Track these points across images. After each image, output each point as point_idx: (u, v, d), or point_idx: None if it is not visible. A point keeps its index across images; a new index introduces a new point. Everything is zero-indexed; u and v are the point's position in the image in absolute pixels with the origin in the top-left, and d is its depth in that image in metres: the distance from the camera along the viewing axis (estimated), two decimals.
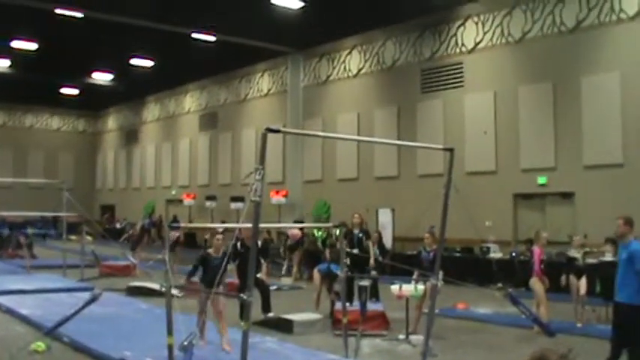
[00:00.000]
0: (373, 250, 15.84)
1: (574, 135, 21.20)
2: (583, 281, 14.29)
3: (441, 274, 11.68)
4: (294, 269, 23.32)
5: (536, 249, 13.85)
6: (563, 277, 14.63)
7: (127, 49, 32.21)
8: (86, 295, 12.54)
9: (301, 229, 24.02)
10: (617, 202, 18.30)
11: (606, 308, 13.72)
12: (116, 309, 15.14)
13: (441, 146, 10.30)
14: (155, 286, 16.59)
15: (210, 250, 11.96)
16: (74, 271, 21.78)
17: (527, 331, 13.22)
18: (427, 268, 12.43)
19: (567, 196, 21.65)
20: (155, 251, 25.61)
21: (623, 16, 20.29)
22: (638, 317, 9.40)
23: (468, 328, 14.29)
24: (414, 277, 12.97)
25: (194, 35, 28.99)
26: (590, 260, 14.62)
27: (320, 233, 24.22)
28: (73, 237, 29.56)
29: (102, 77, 39.27)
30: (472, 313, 16.04)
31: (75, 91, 44.29)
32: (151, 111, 46.53)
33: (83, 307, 11.98)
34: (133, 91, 43.12)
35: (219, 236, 10.73)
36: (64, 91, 44.13)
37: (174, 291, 9.25)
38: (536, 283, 13.71)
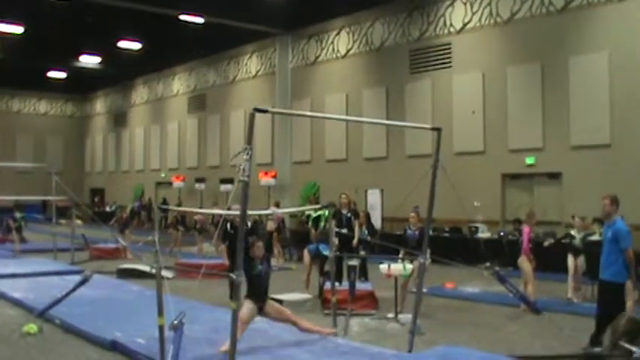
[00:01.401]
0: (360, 231, 15.89)
1: (562, 115, 21.28)
2: (581, 260, 14.41)
3: (428, 252, 11.80)
4: (276, 251, 23.24)
5: (525, 228, 13.95)
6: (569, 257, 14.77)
7: (114, 31, 32.04)
8: (77, 278, 12.61)
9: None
10: (605, 183, 18.40)
11: (592, 287, 13.87)
12: (107, 291, 15.18)
13: (428, 126, 10.34)
14: (145, 268, 16.67)
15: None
16: (64, 254, 21.80)
17: (514, 309, 13.35)
18: (413, 246, 12.52)
19: (555, 176, 21.75)
20: (145, 234, 25.67)
21: None
22: (622, 295, 9.56)
23: (456, 307, 14.40)
24: (400, 256, 13.05)
25: (182, 17, 28.87)
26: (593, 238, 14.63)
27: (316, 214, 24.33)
28: (62, 221, 29.54)
29: (89, 60, 39.00)
30: (460, 292, 16.16)
31: (62, 75, 44.08)
32: (140, 94, 46.42)
33: (74, 290, 12.05)
34: (121, 74, 43.02)
35: (259, 244, 9.85)
36: (52, 74, 43.90)
37: (164, 272, 9.31)
38: (524, 262, 13.82)
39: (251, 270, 9.43)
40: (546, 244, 15.88)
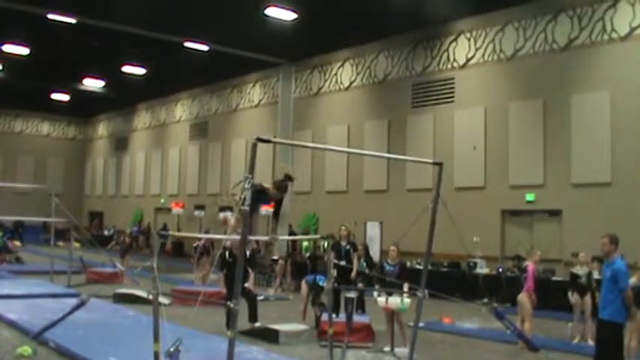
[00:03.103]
0: (359, 263, 15.87)
1: (563, 153, 21.32)
2: (587, 299, 14.23)
3: (405, 285, 11.78)
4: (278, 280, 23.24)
5: (530, 265, 13.86)
6: (570, 294, 14.61)
7: (119, 56, 32.21)
8: (73, 301, 12.54)
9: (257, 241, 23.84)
10: (605, 221, 18.39)
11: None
12: (103, 315, 15.11)
13: (430, 160, 10.35)
14: (142, 293, 16.61)
15: None
16: (61, 277, 21.77)
17: (511, 347, 13.28)
18: (390, 282, 12.54)
19: (555, 213, 21.75)
20: (143, 259, 25.63)
21: (614, 35, 20.45)
22: (620, 335, 9.52)
23: (454, 343, 14.33)
24: (376, 291, 13.03)
25: (187, 44, 29.04)
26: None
27: (306, 244, 24.26)
28: (60, 243, 29.48)
29: (93, 84, 39.20)
30: (458, 327, 16.07)
31: (66, 97, 44.24)
32: (142, 119, 46.51)
33: (70, 313, 11.99)
34: (124, 98, 43.14)
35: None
36: (55, 96, 44.03)
37: (161, 299, 9.26)
38: (525, 299, 13.75)
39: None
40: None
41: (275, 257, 23.82)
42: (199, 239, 23.71)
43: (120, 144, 48.97)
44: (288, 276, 22.93)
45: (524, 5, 22.63)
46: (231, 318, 7.56)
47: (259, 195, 8.82)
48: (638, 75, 19.80)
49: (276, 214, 9.41)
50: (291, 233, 28.33)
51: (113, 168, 49.64)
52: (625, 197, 19.63)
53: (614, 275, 9.42)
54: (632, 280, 10.54)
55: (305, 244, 25.21)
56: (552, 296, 16.80)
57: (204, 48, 29.54)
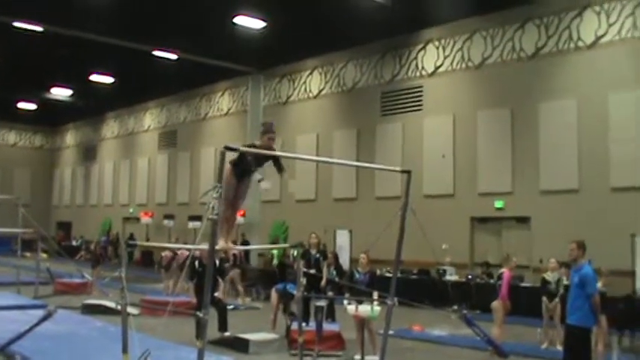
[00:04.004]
0: (329, 272, 15.87)
1: (531, 160, 21.48)
2: (556, 305, 14.31)
3: (375, 293, 11.77)
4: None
5: (506, 272, 13.88)
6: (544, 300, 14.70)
7: (86, 64, 32.00)
8: (40, 313, 12.40)
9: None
10: (572, 227, 18.51)
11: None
12: (70, 327, 14.97)
13: (398, 168, 10.36)
14: (111, 304, 16.46)
15: None
16: (28, 288, 21.52)
17: (481, 353, 13.31)
18: (360, 290, 12.55)
19: (523, 220, 21.89)
20: (111, 269, 25.40)
21: (580, 44, 20.67)
22: (588, 339, 9.59)
23: (424, 350, 14.36)
24: (346, 299, 13.03)
25: (155, 53, 28.92)
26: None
27: (276, 252, 24.23)
28: (27, 254, 29.20)
29: (60, 92, 38.87)
30: (428, 334, 16.10)
31: (32, 106, 43.84)
32: (110, 128, 46.23)
33: (37, 325, 11.84)
34: (92, 107, 42.83)
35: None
36: (22, 105, 43.65)
37: (130, 309, 9.19)
38: (499, 306, 13.74)
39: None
40: None
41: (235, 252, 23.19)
42: (168, 250, 23.60)
43: (88, 153, 48.61)
44: (239, 285, 22.48)
45: (492, 14, 22.80)
46: (200, 328, 7.50)
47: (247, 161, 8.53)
48: (604, 83, 20.01)
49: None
50: (244, 243, 28.23)
51: (81, 177, 49.26)
52: (592, 204, 19.80)
53: (582, 280, 9.49)
54: (598, 286, 10.61)
55: (274, 252, 25.22)
56: (521, 302, 16.88)
57: (173, 57, 29.45)
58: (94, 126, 47.89)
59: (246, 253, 28.19)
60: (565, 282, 13.87)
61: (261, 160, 8.69)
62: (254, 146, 8.43)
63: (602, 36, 20.23)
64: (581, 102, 20.50)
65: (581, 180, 20.29)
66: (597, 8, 20.35)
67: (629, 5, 19.69)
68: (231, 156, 7.60)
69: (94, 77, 34.00)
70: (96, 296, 20.92)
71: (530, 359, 13.19)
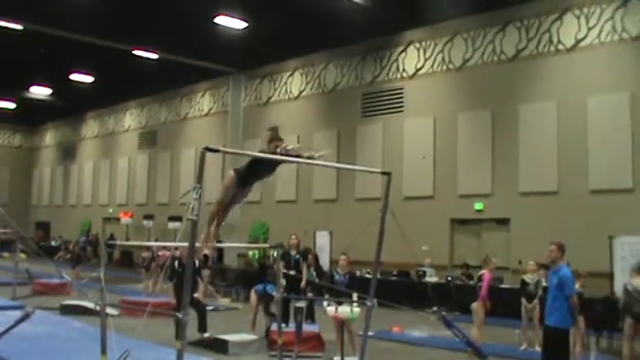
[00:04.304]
0: (309, 273, 15.87)
1: (511, 162, 21.58)
2: (535, 306, 14.39)
3: (355, 295, 11.78)
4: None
5: (486, 274, 13.92)
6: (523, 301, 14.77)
7: (66, 63, 31.81)
8: (18, 314, 12.32)
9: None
10: (551, 229, 18.61)
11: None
12: (49, 328, 14.89)
13: (378, 170, 10.37)
14: (90, 304, 16.37)
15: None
16: (6, 289, 21.36)
17: (461, 354, 13.33)
18: (339, 292, 12.56)
19: (503, 222, 21.98)
20: (91, 269, 25.30)
21: (560, 47, 20.80)
22: (567, 340, 9.64)
23: (403, 351, 14.38)
24: (325, 300, 13.03)
25: (136, 52, 28.80)
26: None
27: (252, 253, 24.23)
28: (5, 254, 29.00)
29: (40, 92, 38.59)
30: (407, 336, 16.13)
31: (11, 105, 43.53)
32: (90, 128, 46.03)
33: (14, 326, 11.74)
34: (71, 106, 42.58)
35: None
36: (0, 104, 43.32)
37: (109, 309, 9.16)
38: (479, 307, 13.77)
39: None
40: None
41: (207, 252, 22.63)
42: (148, 250, 23.54)
43: (67, 153, 48.37)
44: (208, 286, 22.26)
45: (473, 16, 22.88)
46: (179, 328, 7.49)
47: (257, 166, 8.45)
48: (583, 86, 20.14)
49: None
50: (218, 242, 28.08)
51: (60, 177, 49.00)
52: (571, 206, 19.93)
53: (560, 282, 9.55)
54: (576, 287, 10.68)
55: (251, 253, 25.24)
56: (501, 303, 16.93)
57: (154, 56, 29.34)
58: (74, 125, 47.64)
59: (220, 253, 28.17)
60: (544, 283, 13.94)
61: (274, 166, 8.67)
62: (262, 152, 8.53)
63: (582, 39, 20.37)
64: (561, 105, 20.63)
65: (560, 182, 20.41)
66: (577, 12, 20.49)
67: (609, 9, 19.82)
68: (235, 167, 7.54)
69: (74, 76, 33.83)
70: (75, 297, 20.80)
71: None
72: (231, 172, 8.11)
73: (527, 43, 21.66)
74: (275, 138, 8.48)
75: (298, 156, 8.63)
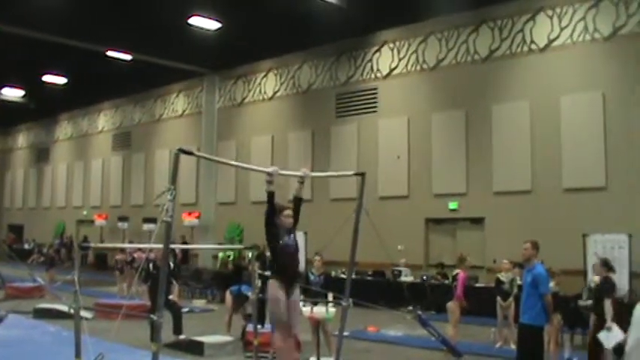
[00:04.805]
0: None
1: (485, 161, 21.68)
2: (510, 304, 14.47)
3: (330, 295, 11.80)
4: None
5: (461, 273, 13.96)
6: (498, 300, 14.84)
7: (39, 65, 31.54)
8: None
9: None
10: (525, 228, 18.73)
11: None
12: (22, 332, 14.78)
13: (352, 172, 10.40)
14: (64, 307, 16.27)
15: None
16: None
17: (436, 353, 13.38)
18: (315, 292, 12.55)
19: (477, 221, 22.08)
20: (65, 272, 25.13)
21: (533, 47, 20.93)
22: (541, 338, 9.70)
23: (379, 351, 14.39)
24: (301, 301, 13.04)
25: (109, 53, 28.63)
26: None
27: (222, 254, 24.22)
28: None
29: (12, 93, 38.27)
30: (383, 335, 16.16)
31: None
32: (64, 129, 45.70)
33: None
34: (44, 108, 42.21)
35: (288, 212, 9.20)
36: None
37: (83, 313, 9.11)
38: (454, 306, 13.82)
39: (276, 240, 8.63)
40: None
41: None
42: (122, 252, 23.42)
43: (41, 155, 47.99)
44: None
45: (447, 17, 22.95)
46: (154, 331, 7.46)
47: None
48: (556, 85, 20.29)
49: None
50: (183, 244, 28.02)
51: (34, 179, 48.60)
52: (544, 204, 20.07)
53: (534, 280, 9.59)
54: (551, 286, 10.74)
55: (221, 254, 25.23)
56: (476, 302, 17.00)
57: (127, 57, 29.17)
58: (47, 127, 47.28)
59: (185, 254, 28.08)
60: (519, 282, 14.02)
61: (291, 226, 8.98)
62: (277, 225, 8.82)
63: (555, 39, 20.51)
64: (534, 104, 20.76)
65: (534, 181, 20.55)
66: (550, 12, 20.63)
67: (581, 10, 19.97)
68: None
69: (47, 78, 33.58)
70: (48, 300, 20.65)
71: (484, 358, 13.29)
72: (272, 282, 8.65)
73: (500, 43, 21.78)
74: (284, 208, 9.19)
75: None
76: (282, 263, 8.63)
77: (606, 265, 11.79)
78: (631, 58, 19.08)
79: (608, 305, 10.96)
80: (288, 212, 8.79)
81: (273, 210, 8.43)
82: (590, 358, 11.30)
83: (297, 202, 8.88)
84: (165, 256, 7.37)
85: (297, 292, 8.86)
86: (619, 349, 10.40)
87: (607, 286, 11.35)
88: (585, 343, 13.68)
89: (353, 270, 10.16)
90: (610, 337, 10.80)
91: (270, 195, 8.36)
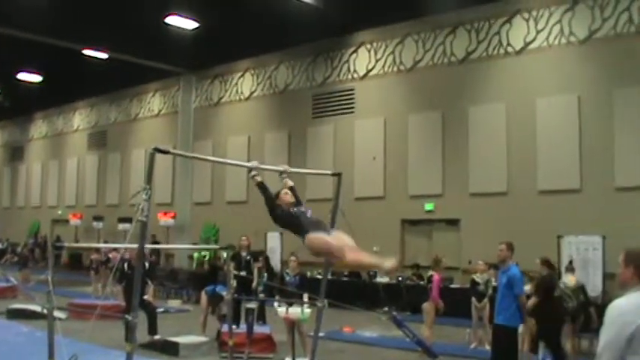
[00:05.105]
0: (260, 274, 15.84)
1: (461, 163, 21.76)
2: (485, 305, 14.54)
3: (305, 295, 11.80)
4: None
5: (435, 276, 13.99)
6: (474, 301, 14.91)
7: (14, 62, 31.28)
8: None
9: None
10: (501, 230, 18.75)
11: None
12: None
13: (329, 171, 10.40)
14: (37, 308, 16.16)
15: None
16: None
17: (412, 353, 13.42)
18: (290, 292, 12.56)
19: (453, 222, 22.15)
20: (39, 272, 24.98)
21: (510, 49, 21.04)
22: (515, 339, 9.75)
23: (354, 351, 14.41)
24: (276, 301, 13.04)
25: (85, 51, 28.47)
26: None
27: (197, 254, 24.19)
28: None
29: None
30: (358, 336, 16.18)
31: None
32: (38, 128, 45.38)
33: None
34: (19, 106, 41.82)
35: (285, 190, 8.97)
36: None
37: (57, 313, 9.04)
38: (429, 308, 13.85)
39: (288, 214, 8.31)
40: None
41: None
42: (97, 252, 23.30)
43: (15, 154, 47.63)
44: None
45: (424, 18, 23.01)
46: (129, 331, 7.43)
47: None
48: (532, 88, 20.40)
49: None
50: (154, 243, 27.91)
51: (8, 178, 48.21)
52: (520, 206, 20.16)
53: (509, 281, 9.65)
54: (527, 288, 10.81)
55: (196, 254, 25.18)
56: (451, 303, 17.05)
57: (104, 56, 29.01)
58: (22, 126, 46.92)
59: (157, 254, 27.98)
60: (494, 283, 14.08)
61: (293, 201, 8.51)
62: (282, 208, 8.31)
63: (531, 42, 20.63)
64: (510, 106, 20.87)
65: (510, 183, 20.65)
66: (526, 15, 20.74)
67: (557, 13, 20.10)
68: None
69: (22, 76, 33.33)
70: (22, 300, 20.51)
71: (459, 359, 13.33)
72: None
73: (477, 45, 21.87)
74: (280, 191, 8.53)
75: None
76: (303, 225, 8.11)
77: (547, 264, 12.35)
78: (606, 61, 19.22)
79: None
80: (285, 190, 8.53)
81: (270, 197, 8.22)
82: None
83: (291, 189, 8.64)
84: (139, 256, 7.34)
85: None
86: None
87: (546, 285, 11.94)
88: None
89: (329, 271, 10.16)
90: None
91: (261, 185, 8.14)
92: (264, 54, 28.40)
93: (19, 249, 27.56)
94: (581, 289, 13.21)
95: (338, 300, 10.94)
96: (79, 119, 41.01)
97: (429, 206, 22.58)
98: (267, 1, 22.26)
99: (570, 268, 13.89)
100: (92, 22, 24.75)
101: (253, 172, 8.29)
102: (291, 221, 8.10)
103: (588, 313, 13.14)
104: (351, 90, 25.33)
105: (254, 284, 15.40)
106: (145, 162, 32.74)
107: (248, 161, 9.07)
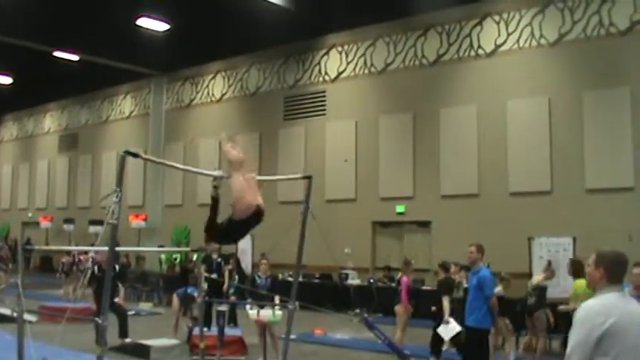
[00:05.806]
0: (230, 276, 15.84)
1: (432, 165, 21.86)
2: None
3: (277, 298, 11.82)
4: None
5: (404, 278, 14.03)
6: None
7: None
8: None
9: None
10: (472, 231, 18.85)
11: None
12: None
13: (299, 176, 10.42)
14: (6, 311, 16.02)
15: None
16: None
17: (384, 355, 13.44)
18: (262, 295, 12.57)
19: (424, 224, 22.24)
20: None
21: (480, 52, 21.19)
22: (486, 340, 9.82)
23: (326, 354, 14.42)
24: (248, 304, 13.05)
25: (56, 53, 28.29)
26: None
27: (165, 256, 24.16)
28: None
29: None
30: (330, 338, 16.20)
31: None
32: (8, 130, 45.02)
33: None
34: None
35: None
36: None
37: (27, 316, 8.98)
38: (401, 310, 13.90)
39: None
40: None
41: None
42: (68, 255, 23.16)
43: None
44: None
45: (395, 21, 23.10)
46: (99, 334, 7.39)
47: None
48: (503, 90, 20.55)
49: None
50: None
51: None
52: (490, 208, 20.29)
53: (480, 283, 9.71)
54: (498, 290, 10.88)
55: (164, 256, 25.10)
56: (422, 305, 17.12)
57: (74, 58, 28.87)
58: None
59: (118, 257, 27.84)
60: (465, 285, 14.15)
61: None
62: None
63: (502, 44, 20.79)
64: (481, 108, 21.00)
65: (481, 185, 20.78)
66: (497, 18, 20.89)
67: (527, 16, 20.26)
68: None
69: None
70: None
71: None
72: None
73: (448, 47, 21.99)
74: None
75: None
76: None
77: (444, 267, 13.15)
78: (576, 63, 19.41)
79: (446, 303, 12.15)
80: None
81: (213, 219, 8.12)
82: (432, 349, 12.61)
83: (213, 201, 8.52)
84: (110, 259, 7.31)
85: None
86: (456, 338, 11.88)
87: (446, 286, 12.60)
88: (531, 344, 13.88)
89: (300, 273, 10.16)
90: (448, 329, 12.15)
91: (215, 200, 8.07)
92: (235, 56, 28.37)
93: None
94: (541, 289, 13.27)
95: (309, 302, 10.94)
96: (50, 121, 40.75)
97: (400, 208, 22.65)
98: (238, 4, 22.25)
99: (547, 269, 13.93)
100: (63, 23, 24.64)
101: (215, 183, 8.21)
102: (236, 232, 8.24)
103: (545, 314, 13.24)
104: (323, 92, 25.37)
105: (225, 287, 15.38)
106: (115, 164, 32.44)
107: (219, 164, 9.04)
